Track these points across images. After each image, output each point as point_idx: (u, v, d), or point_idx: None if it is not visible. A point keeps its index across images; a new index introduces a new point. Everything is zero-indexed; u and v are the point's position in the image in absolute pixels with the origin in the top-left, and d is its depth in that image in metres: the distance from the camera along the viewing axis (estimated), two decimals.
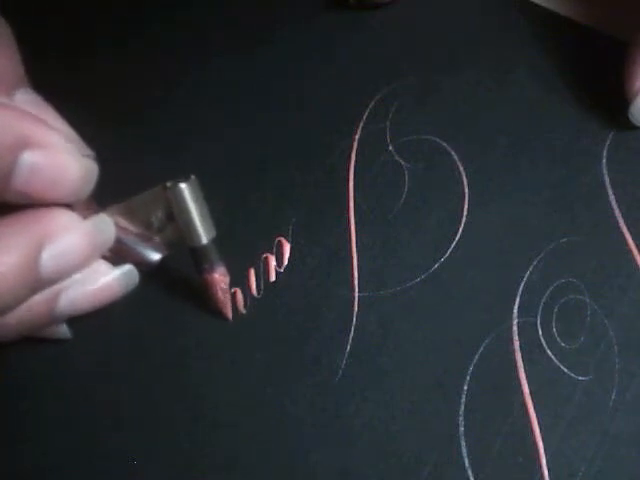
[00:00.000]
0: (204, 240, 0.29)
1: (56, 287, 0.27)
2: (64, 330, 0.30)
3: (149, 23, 0.40)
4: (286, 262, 0.33)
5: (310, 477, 0.29)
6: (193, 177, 0.28)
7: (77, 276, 0.27)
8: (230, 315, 0.31)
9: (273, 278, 0.33)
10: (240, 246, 0.33)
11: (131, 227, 0.29)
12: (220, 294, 0.30)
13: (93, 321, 0.30)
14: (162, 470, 0.29)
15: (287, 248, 0.33)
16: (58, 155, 0.25)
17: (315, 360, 0.31)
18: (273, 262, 0.33)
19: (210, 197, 0.33)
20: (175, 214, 0.28)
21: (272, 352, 0.31)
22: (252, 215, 0.34)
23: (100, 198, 0.28)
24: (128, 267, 0.29)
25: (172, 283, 0.32)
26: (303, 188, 0.34)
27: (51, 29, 0.39)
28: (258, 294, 0.32)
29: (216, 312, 0.31)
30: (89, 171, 0.27)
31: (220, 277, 0.30)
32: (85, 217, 0.27)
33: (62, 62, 0.37)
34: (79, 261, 0.27)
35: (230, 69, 0.38)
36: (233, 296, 0.32)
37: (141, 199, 0.29)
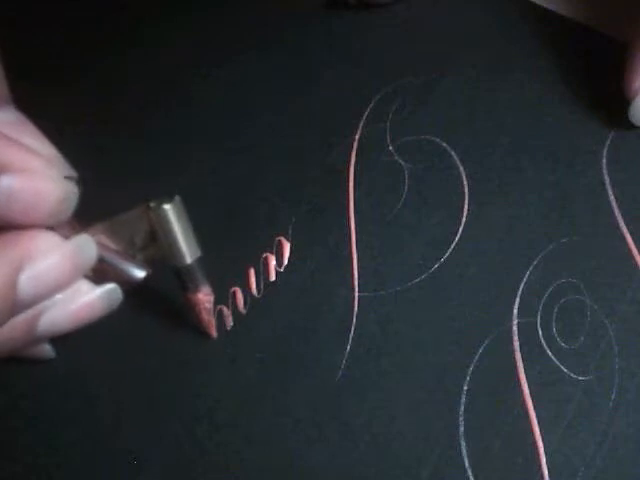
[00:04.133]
0: (188, 260, 0.28)
1: (37, 307, 0.26)
2: (47, 350, 0.30)
3: (149, 23, 0.40)
4: (286, 262, 0.33)
5: (310, 477, 0.29)
6: (177, 197, 0.28)
7: (58, 296, 0.27)
8: (214, 334, 0.31)
9: (273, 278, 0.33)
10: (240, 246, 0.33)
11: (114, 245, 0.28)
12: (204, 314, 0.30)
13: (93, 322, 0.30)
14: (162, 470, 0.29)
15: (287, 248, 0.33)
16: (37, 179, 0.25)
17: (315, 360, 0.31)
18: (273, 262, 0.33)
19: (210, 197, 0.34)
20: (158, 234, 0.28)
21: (272, 352, 0.31)
22: (252, 215, 0.34)
23: (86, 214, 0.28)
24: (110, 286, 0.28)
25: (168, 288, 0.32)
26: (303, 188, 0.34)
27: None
28: (258, 294, 0.32)
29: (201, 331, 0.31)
30: (69, 194, 0.26)
31: (204, 297, 0.30)
32: (67, 237, 0.27)
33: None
34: (59, 283, 0.26)
35: (230, 69, 0.38)
36: (233, 297, 0.32)
37: (124, 218, 0.28)
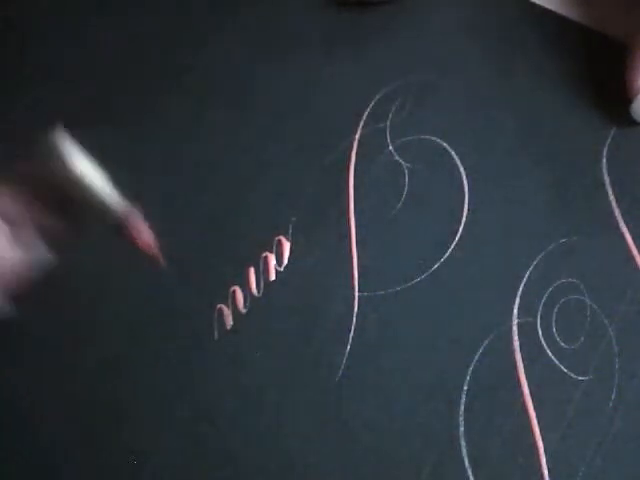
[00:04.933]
0: (116, 214, 0.26)
1: None
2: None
3: (149, 24, 0.40)
4: (286, 261, 0.33)
5: (310, 477, 0.29)
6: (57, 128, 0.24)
7: None
8: (161, 259, 0.27)
9: (273, 277, 0.33)
10: (240, 245, 0.33)
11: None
12: (140, 242, 0.26)
13: (93, 320, 0.30)
14: (162, 470, 0.29)
15: (287, 247, 0.33)
16: None
17: (315, 360, 0.31)
18: (273, 261, 0.33)
19: (211, 196, 0.34)
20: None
21: (272, 352, 0.31)
22: (252, 215, 0.34)
23: None
24: (35, 247, 0.26)
25: (168, 288, 0.32)
26: (303, 188, 0.34)
27: None
28: (258, 293, 0.32)
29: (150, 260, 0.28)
30: None
31: (136, 225, 0.26)
32: None
33: None
34: None
35: (230, 69, 0.38)
36: (233, 296, 0.32)
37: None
